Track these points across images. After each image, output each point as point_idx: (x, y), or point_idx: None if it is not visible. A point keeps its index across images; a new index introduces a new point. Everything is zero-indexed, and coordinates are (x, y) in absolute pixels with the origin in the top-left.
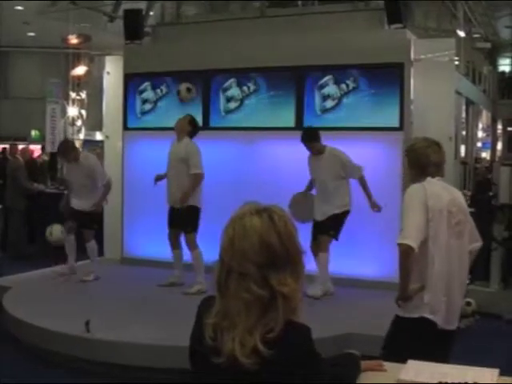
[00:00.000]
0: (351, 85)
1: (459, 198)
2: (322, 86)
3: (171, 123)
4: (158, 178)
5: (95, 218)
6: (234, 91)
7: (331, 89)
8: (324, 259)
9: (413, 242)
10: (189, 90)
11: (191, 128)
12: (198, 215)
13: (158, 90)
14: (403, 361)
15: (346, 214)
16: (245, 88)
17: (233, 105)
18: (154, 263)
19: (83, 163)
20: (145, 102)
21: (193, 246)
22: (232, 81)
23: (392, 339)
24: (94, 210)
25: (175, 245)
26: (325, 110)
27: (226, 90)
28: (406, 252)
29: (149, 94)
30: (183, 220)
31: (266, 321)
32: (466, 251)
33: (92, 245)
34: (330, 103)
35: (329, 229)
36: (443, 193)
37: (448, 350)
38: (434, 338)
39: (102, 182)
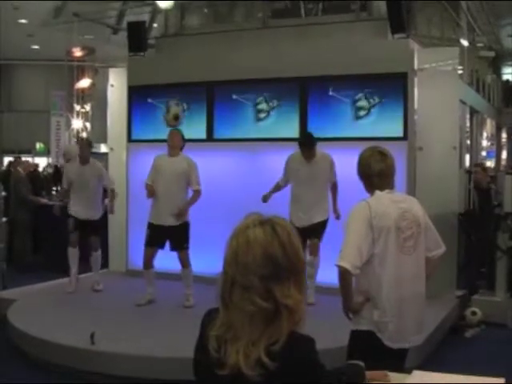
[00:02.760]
0: (355, 95)
1: (412, 208)
2: (326, 97)
3: None
4: (152, 193)
5: (101, 225)
6: (238, 102)
7: (335, 99)
8: (317, 264)
9: (350, 264)
10: (176, 117)
11: (183, 143)
12: (189, 230)
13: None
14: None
15: (327, 221)
16: (249, 99)
17: (236, 116)
18: (159, 275)
19: (93, 165)
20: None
21: (188, 262)
22: (236, 92)
23: (349, 353)
24: (100, 216)
25: (151, 263)
26: (328, 120)
27: (229, 101)
28: (342, 274)
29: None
30: (180, 237)
31: (270, 333)
32: (422, 262)
33: (98, 254)
34: (333, 113)
35: (319, 234)
36: (391, 208)
37: (396, 368)
38: (382, 352)
39: (112, 186)
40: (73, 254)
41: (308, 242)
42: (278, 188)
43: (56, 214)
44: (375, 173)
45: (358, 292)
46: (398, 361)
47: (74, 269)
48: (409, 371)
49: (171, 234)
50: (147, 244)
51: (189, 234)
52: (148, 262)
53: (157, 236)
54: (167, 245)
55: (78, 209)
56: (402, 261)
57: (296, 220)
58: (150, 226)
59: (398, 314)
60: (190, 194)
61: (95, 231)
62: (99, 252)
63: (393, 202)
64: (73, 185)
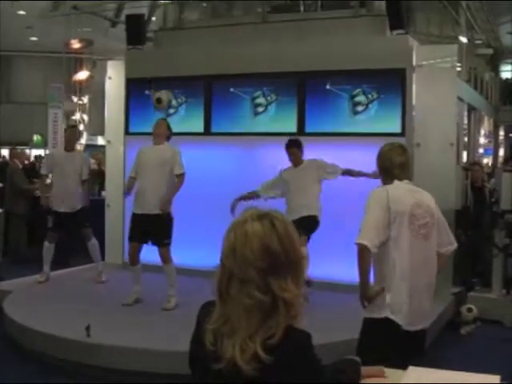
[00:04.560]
0: (353, 91)
1: (427, 200)
2: (324, 92)
3: (174, 128)
4: (130, 187)
5: (85, 214)
6: (236, 96)
7: (333, 94)
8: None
9: (369, 241)
10: (158, 101)
11: (169, 133)
12: (173, 225)
13: None
14: (373, 362)
15: (317, 219)
16: (247, 93)
17: (234, 110)
18: (155, 268)
19: (77, 153)
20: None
21: (169, 258)
22: (234, 86)
23: (360, 341)
24: (82, 206)
25: (137, 260)
26: (326, 116)
27: (227, 95)
28: (361, 251)
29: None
30: (162, 230)
31: (266, 327)
32: (433, 253)
33: (94, 243)
34: (331, 109)
35: (304, 229)
36: (407, 196)
37: (412, 351)
38: (397, 338)
39: (86, 177)
40: (48, 249)
41: None
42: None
43: (44, 206)
44: (396, 165)
45: (376, 280)
46: (414, 344)
47: (46, 266)
48: (404, 367)
49: (153, 225)
50: (130, 238)
51: (171, 228)
52: (133, 258)
53: (139, 228)
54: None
55: (58, 201)
56: (416, 246)
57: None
58: (133, 217)
59: (411, 296)
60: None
61: (81, 223)
62: (93, 241)
63: (409, 191)
64: (54, 173)
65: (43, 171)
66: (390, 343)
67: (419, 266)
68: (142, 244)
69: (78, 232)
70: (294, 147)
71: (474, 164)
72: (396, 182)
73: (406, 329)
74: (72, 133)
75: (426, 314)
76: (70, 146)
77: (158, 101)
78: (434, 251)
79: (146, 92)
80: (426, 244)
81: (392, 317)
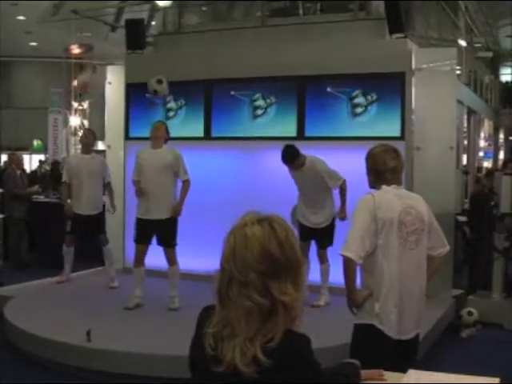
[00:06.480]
0: (352, 94)
1: (417, 205)
2: (323, 96)
3: (174, 133)
4: (140, 190)
5: (103, 220)
6: (236, 100)
7: (332, 98)
8: (327, 269)
9: (353, 253)
10: (159, 81)
11: (167, 135)
12: (177, 226)
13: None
14: (365, 367)
15: (334, 221)
16: (246, 97)
17: (234, 114)
18: (155, 273)
19: (96, 157)
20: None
21: (175, 260)
22: (234, 90)
23: (351, 346)
24: (101, 212)
25: (142, 261)
26: (325, 120)
27: (227, 99)
28: (346, 263)
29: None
30: (168, 233)
31: (266, 330)
32: (424, 259)
33: (109, 248)
34: (330, 113)
35: (325, 243)
36: (396, 202)
37: (405, 359)
38: (386, 346)
39: (109, 179)
40: (67, 253)
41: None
42: None
43: (68, 215)
44: (389, 169)
45: (363, 286)
46: (406, 352)
47: (68, 265)
48: (404, 370)
49: (159, 229)
50: (136, 241)
51: (177, 229)
52: (139, 259)
53: (145, 232)
54: (154, 241)
55: (79, 204)
56: (405, 255)
57: (302, 218)
58: (138, 222)
59: (399, 305)
60: (179, 185)
61: (99, 227)
62: (108, 246)
63: (398, 197)
64: (73, 178)
65: (64, 178)
66: (380, 349)
67: (409, 274)
68: (148, 245)
69: (94, 237)
70: (289, 163)
71: (493, 171)
72: (384, 187)
73: (396, 338)
74: (88, 135)
75: (418, 321)
76: (86, 149)
77: (159, 81)
78: (425, 257)
79: (147, 95)
80: (415, 251)
81: (380, 327)
